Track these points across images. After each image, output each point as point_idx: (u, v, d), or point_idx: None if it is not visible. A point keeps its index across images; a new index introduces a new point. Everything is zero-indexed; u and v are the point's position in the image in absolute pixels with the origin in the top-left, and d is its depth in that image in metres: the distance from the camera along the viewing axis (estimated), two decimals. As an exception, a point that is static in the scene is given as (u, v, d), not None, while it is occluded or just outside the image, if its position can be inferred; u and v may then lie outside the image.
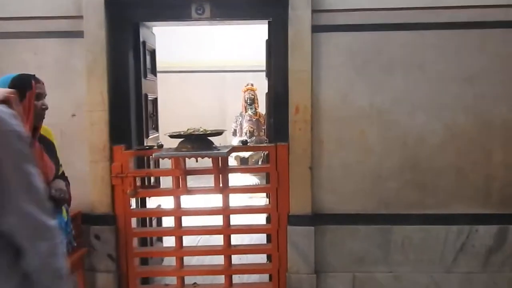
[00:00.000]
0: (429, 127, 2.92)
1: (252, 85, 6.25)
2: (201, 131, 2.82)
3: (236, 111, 6.63)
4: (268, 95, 3.25)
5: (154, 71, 3.58)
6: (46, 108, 1.75)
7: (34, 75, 1.77)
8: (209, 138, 2.83)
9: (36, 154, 1.70)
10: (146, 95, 3.30)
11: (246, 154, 5.91)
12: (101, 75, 2.95)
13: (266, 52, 3.27)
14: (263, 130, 6.20)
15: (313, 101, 2.93)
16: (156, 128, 3.62)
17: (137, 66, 3.19)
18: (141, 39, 3.20)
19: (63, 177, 1.91)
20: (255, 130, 6.11)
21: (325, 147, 2.98)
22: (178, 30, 6.87)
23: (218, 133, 2.86)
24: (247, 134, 6.07)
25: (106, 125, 2.98)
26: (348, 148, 2.97)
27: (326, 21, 2.89)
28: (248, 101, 6.20)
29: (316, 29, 2.88)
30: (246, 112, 6.19)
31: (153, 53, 3.54)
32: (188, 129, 2.89)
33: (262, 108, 6.23)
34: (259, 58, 7.09)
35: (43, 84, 1.78)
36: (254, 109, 6.22)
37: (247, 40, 6.95)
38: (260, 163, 5.89)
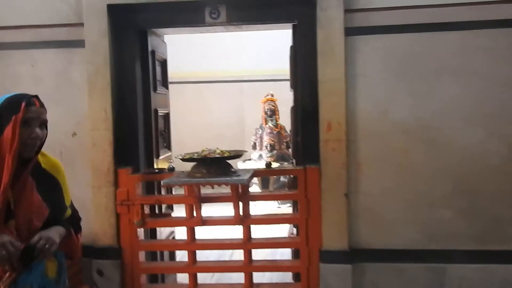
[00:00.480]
0: (488, 144, 2.44)
1: (272, 95, 5.83)
2: (218, 153, 2.42)
3: (255, 122, 6.23)
4: (294, 109, 2.83)
5: (165, 83, 3.21)
6: (38, 138, 1.35)
7: (33, 96, 1.38)
8: (227, 161, 2.42)
9: (21, 191, 1.33)
10: (156, 111, 2.93)
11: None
12: (104, 89, 2.59)
13: (290, 60, 2.85)
14: (284, 144, 5.77)
15: (348, 116, 2.49)
16: (168, 147, 3.24)
17: (146, 78, 2.82)
18: (149, 48, 2.83)
19: (68, 222, 1.49)
20: (276, 144, 5.68)
21: (363, 170, 2.53)
22: (193, 38, 6.58)
23: (238, 155, 2.45)
24: (268, 147, 5.66)
25: (110, 145, 2.61)
26: (390, 170, 2.52)
27: (361, 22, 2.46)
28: (269, 112, 5.78)
29: (350, 31, 2.45)
30: (266, 124, 5.77)
31: (163, 63, 3.17)
32: (202, 151, 2.49)
33: (283, 120, 5.81)
34: (279, 66, 6.74)
35: (41, 107, 1.38)
36: (274, 121, 5.80)
37: (266, 47, 6.59)
38: (281, 178, 5.45)
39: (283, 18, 2.65)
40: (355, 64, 2.48)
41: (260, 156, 5.75)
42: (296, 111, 2.78)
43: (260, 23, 2.73)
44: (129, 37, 2.70)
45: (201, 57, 6.77)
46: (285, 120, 5.91)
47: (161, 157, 3.01)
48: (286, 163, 5.64)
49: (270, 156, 5.61)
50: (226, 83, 6.87)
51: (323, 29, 2.45)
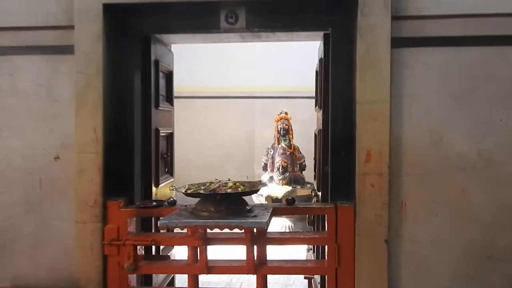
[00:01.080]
0: None
1: (286, 113, 5.35)
2: (230, 187, 1.93)
3: (266, 142, 5.71)
4: (321, 133, 2.35)
5: (170, 99, 2.76)
6: None
7: None
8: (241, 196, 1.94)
9: None
10: (157, 130, 2.47)
11: (279, 192, 4.97)
12: (95, 104, 2.13)
13: (318, 75, 2.41)
14: (297, 166, 5.27)
15: (392, 145, 2.01)
16: (170, 172, 2.76)
17: (146, 93, 2.37)
18: (152, 58, 2.38)
19: None
20: (289, 165, 5.17)
21: (409, 211, 2.04)
22: (201, 49, 6.14)
23: (254, 190, 1.97)
24: (280, 169, 5.14)
25: (99, 171, 2.14)
26: (442, 214, 2.02)
27: (412, 32, 2.00)
28: (282, 131, 5.28)
29: (398, 42, 1.99)
30: (278, 144, 5.27)
31: (169, 76, 2.73)
32: (211, 183, 2.01)
33: (296, 140, 5.33)
34: (294, 83, 6.28)
35: None
36: (288, 141, 5.30)
37: (281, 62, 6.15)
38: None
39: (314, 26, 2.20)
40: (402, 82, 2.00)
41: (271, 178, 5.24)
42: (324, 135, 2.30)
43: (284, 30, 2.27)
44: (129, 43, 2.27)
45: (210, 70, 6.33)
46: (298, 140, 5.48)
47: (161, 185, 2.54)
48: (299, 187, 5.15)
49: (282, 179, 5.11)
50: (236, 99, 6.39)
51: (364, 39, 1.98)
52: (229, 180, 2.05)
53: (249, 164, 6.28)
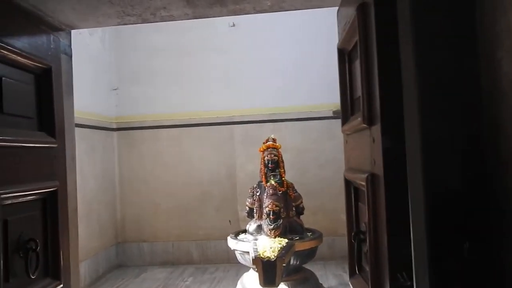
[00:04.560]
0: None
1: (274, 140, 3.96)
2: None
3: (251, 177, 4.37)
4: (389, 176, 0.94)
5: (50, 124, 1.32)
6: None
7: None
8: None
9: None
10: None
11: (271, 249, 3.50)
12: None
13: (362, 63, 1.03)
14: (293, 209, 3.83)
15: None
16: (53, 273, 1.29)
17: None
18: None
19: None
20: (282, 209, 3.71)
21: None
22: (168, 70, 4.95)
23: None
24: (270, 215, 3.69)
25: None
26: None
27: None
28: (270, 165, 3.86)
29: None
30: (266, 182, 3.84)
31: (45, 76, 1.31)
32: None
33: (287, 174, 3.95)
34: (279, 102, 5.11)
35: None
36: (278, 176, 3.85)
37: (262, 79, 4.89)
38: (292, 261, 3.48)
39: None
40: None
41: (259, 227, 3.78)
42: (392, 190, 0.90)
43: None
44: None
45: (178, 94, 5.05)
46: (289, 174, 4.04)
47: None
48: (297, 237, 3.66)
49: (274, 229, 3.63)
50: (211, 126, 5.06)
51: None
52: None
53: (231, 205, 4.91)
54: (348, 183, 1.38)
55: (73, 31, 1.59)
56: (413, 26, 0.92)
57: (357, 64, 1.24)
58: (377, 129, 1.04)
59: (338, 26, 1.53)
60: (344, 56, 1.47)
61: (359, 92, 1.20)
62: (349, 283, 1.42)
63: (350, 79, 1.42)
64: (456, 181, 0.85)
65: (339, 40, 1.53)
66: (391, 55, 1.05)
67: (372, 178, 1.07)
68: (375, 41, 1.06)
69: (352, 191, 1.36)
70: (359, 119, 1.16)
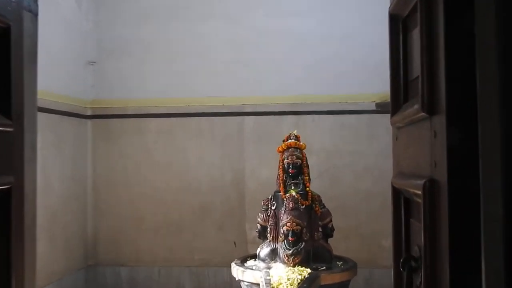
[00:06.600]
0: None
1: (297, 138, 3.99)
2: None
3: (264, 186, 4.43)
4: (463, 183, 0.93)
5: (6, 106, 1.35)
6: None
7: None
8: None
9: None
10: None
11: (288, 281, 3.55)
12: None
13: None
14: (320, 230, 3.86)
15: None
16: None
17: None
18: None
19: None
20: (304, 230, 3.74)
21: None
22: (161, 42, 5.09)
23: None
24: (289, 236, 3.72)
25: None
26: None
27: None
28: (290, 169, 3.88)
29: None
30: (285, 193, 3.87)
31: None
32: None
33: (315, 184, 4.00)
34: (305, 89, 5.16)
35: None
36: (301, 184, 3.89)
37: (283, 61, 4.95)
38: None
39: None
40: None
41: (273, 252, 3.82)
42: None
43: None
44: None
45: (173, 75, 5.16)
46: (315, 183, 4.08)
47: None
48: (324, 267, 3.70)
49: (292, 255, 3.67)
50: (214, 117, 5.15)
51: None
52: None
53: (237, 222, 5.01)
54: (396, 192, 1.38)
55: (39, -16, 1.61)
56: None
57: (416, 34, 1.25)
58: (440, 119, 1.03)
59: (390, -17, 1.56)
60: (398, 24, 1.48)
61: (417, 71, 1.21)
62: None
63: (404, 55, 1.42)
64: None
65: (391, 3, 1.55)
66: (463, 23, 1.06)
67: (431, 186, 1.06)
68: (442, 3, 1.07)
69: (402, 203, 1.36)
70: (416, 106, 1.16)
